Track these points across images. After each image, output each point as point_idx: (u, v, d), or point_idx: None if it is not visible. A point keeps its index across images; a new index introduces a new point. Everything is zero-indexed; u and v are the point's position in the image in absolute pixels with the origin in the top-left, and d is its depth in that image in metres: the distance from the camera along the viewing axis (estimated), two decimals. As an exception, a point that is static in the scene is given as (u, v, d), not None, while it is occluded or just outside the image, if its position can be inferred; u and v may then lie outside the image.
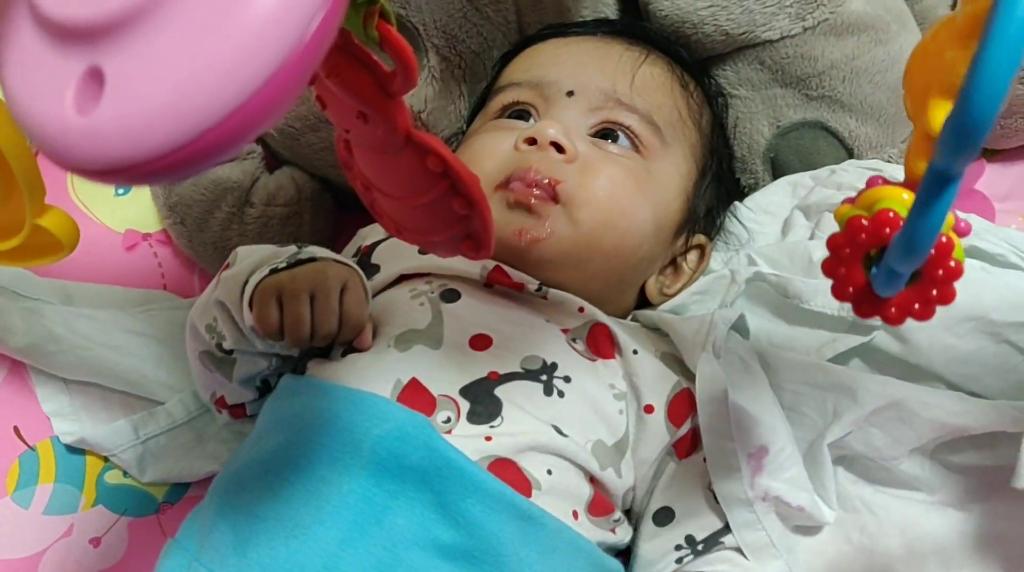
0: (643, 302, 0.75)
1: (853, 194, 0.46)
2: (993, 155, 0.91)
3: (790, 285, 0.71)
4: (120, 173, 0.26)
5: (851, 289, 0.45)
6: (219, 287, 0.65)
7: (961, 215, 0.75)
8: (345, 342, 0.63)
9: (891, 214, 0.42)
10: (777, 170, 0.82)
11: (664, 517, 0.66)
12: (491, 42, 0.81)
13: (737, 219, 0.80)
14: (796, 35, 0.79)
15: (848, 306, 0.69)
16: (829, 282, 0.70)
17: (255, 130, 0.27)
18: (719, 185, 0.78)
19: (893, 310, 0.44)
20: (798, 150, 0.81)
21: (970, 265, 0.70)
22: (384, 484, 0.57)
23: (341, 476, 0.57)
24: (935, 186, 0.36)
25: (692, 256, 0.76)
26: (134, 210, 0.88)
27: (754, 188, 0.83)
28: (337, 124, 0.48)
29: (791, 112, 0.81)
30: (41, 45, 0.27)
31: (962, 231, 0.42)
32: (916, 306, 0.43)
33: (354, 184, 0.53)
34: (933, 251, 0.41)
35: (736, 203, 0.81)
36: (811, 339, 0.72)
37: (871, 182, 0.43)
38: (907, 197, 0.41)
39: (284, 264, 0.62)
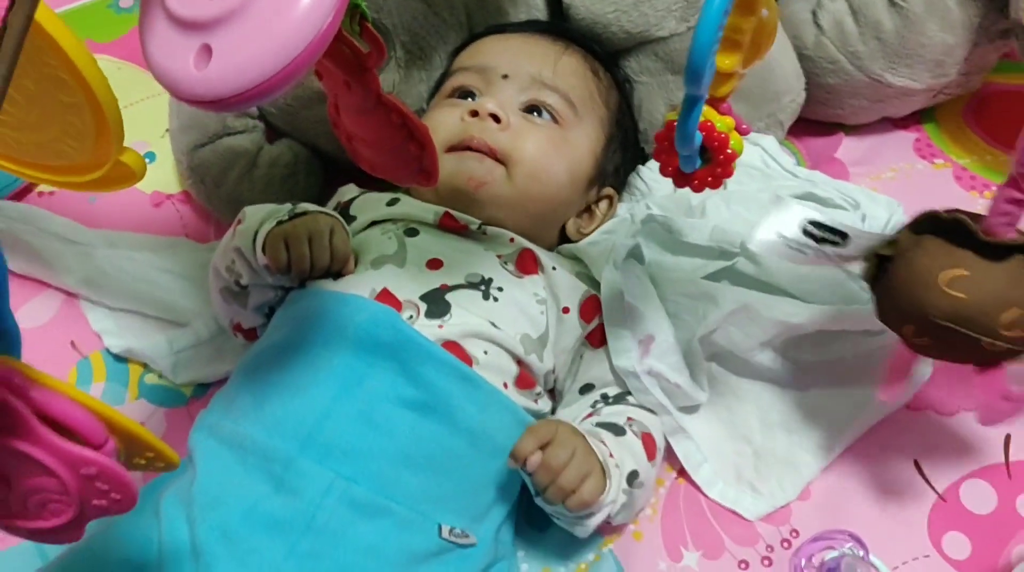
0: (565, 241, 0.94)
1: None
2: (849, 130, 1.11)
3: (672, 223, 0.90)
4: (221, 103, 0.47)
5: (670, 168, 0.65)
6: (235, 238, 0.80)
7: (805, 170, 0.97)
8: (335, 272, 0.80)
9: None
10: (672, 140, 1.03)
11: (585, 389, 0.85)
12: (446, 38, 1.00)
13: (640, 178, 1.00)
14: (682, 33, 0.98)
15: (716, 238, 0.90)
16: (702, 221, 0.92)
17: (294, 80, 0.48)
18: (625, 150, 0.97)
19: (696, 182, 0.65)
20: None
21: (806, 205, 0.91)
22: (363, 357, 0.73)
23: (332, 353, 0.74)
24: (687, 104, 0.57)
25: (603, 204, 0.95)
26: (158, 175, 1.07)
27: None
28: (329, 91, 0.67)
29: (681, 94, 0.98)
30: (171, 31, 0.48)
31: (743, 131, 0.62)
32: (709, 179, 0.63)
33: (340, 137, 0.72)
34: (716, 142, 0.61)
35: (640, 166, 1.00)
36: (689, 265, 0.90)
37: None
38: (705, 108, 0.61)
39: (286, 217, 0.79)
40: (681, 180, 0.64)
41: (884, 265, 0.69)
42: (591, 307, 0.86)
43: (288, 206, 0.82)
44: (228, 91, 0.47)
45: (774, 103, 1.01)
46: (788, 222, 0.66)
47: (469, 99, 0.90)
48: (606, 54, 1.00)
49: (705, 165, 0.63)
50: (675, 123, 0.61)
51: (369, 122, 0.68)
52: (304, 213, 0.80)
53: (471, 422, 0.75)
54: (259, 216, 0.81)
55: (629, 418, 0.82)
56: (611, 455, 0.77)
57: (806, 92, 1.05)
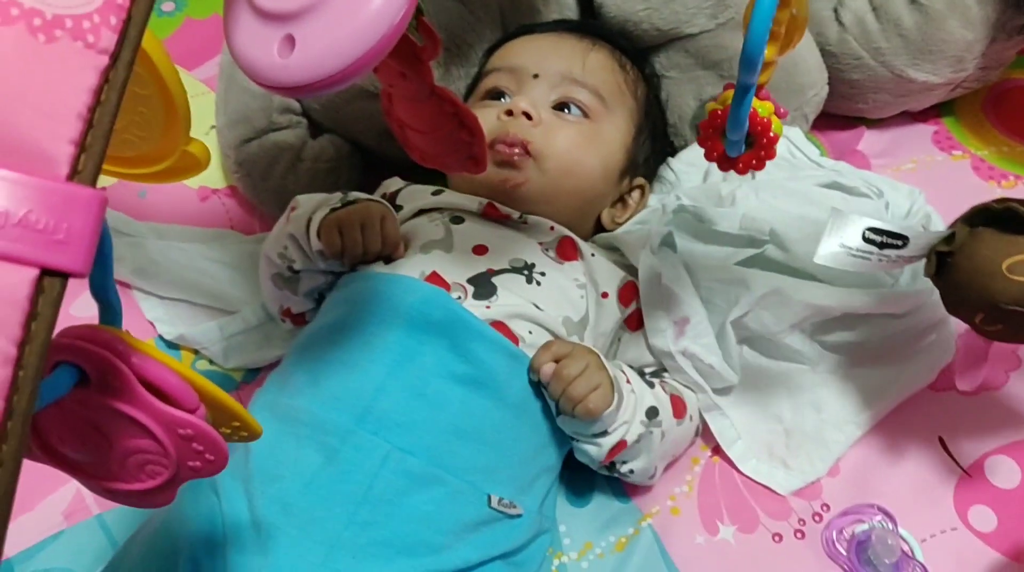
0: (600, 230, 0.97)
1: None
2: (870, 123, 1.14)
3: (704, 213, 0.93)
4: (303, 88, 0.51)
5: (715, 154, 0.69)
6: (289, 224, 0.84)
7: (830, 160, 1.00)
8: (386, 257, 0.83)
9: None
10: (701, 134, 1.06)
11: None
12: (482, 36, 1.04)
13: (671, 169, 1.03)
14: (712, 30, 1.02)
15: (746, 226, 0.93)
16: (732, 210, 0.95)
17: (367, 69, 0.51)
18: (654, 142, 1.01)
19: (740, 165, 0.68)
20: None
21: (832, 195, 0.95)
22: (415, 335, 0.76)
23: (386, 331, 0.77)
24: (740, 91, 0.60)
25: (635, 194, 0.98)
26: (206, 171, 1.10)
27: (685, 148, 1.05)
28: (384, 81, 0.70)
29: (710, 89, 1.03)
30: (257, 22, 0.52)
31: (781, 115, 0.65)
32: (753, 162, 0.67)
33: (392, 126, 0.76)
34: (759, 127, 0.64)
35: (669, 158, 1.04)
36: (720, 253, 0.93)
37: (727, 87, 0.67)
38: None
39: (339, 205, 0.82)
40: (726, 164, 0.68)
41: (944, 260, 0.71)
42: (629, 292, 0.89)
43: (339, 195, 0.86)
44: (309, 78, 0.50)
45: (799, 97, 1.05)
46: (849, 232, 0.68)
47: (503, 99, 0.93)
48: (634, 50, 1.03)
49: (748, 149, 0.66)
50: (718, 112, 0.65)
51: (422, 111, 0.71)
52: (356, 201, 0.84)
53: (516, 397, 0.78)
54: (312, 204, 0.85)
55: (663, 382, 0.87)
56: (628, 381, 0.80)
57: (829, 87, 1.08)
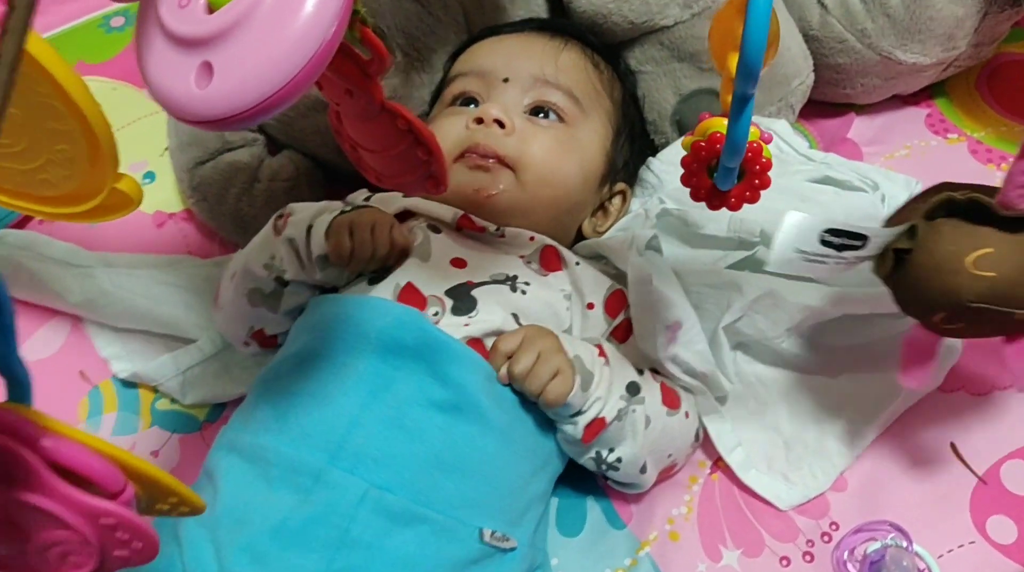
0: (581, 240, 0.91)
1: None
2: (860, 109, 1.09)
3: (689, 216, 0.88)
4: (224, 122, 0.45)
5: (702, 191, 0.64)
6: (289, 227, 0.79)
7: (820, 152, 0.95)
8: (389, 264, 0.78)
9: (718, 134, 0.60)
10: (682, 129, 0.99)
11: None
12: (444, 40, 0.98)
13: (651, 171, 0.97)
14: (686, 20, 0.96)
15: (734, 228, 0.89)
16: (719, 213, 0.90)
17: (298, 95, 0.45)
18: (633, 143, 0.95)
19: (733, 200, 0.63)
20: (696, 112, 0.93)
21: (824, 190, 0.90)
22: (389, 361, 0.72)
23: (356, 359, 0.72)
24: (739, 104, 0.54)
25: (616, 200, 0.93)
26: (160, 195, 1.05)
27: (665, 146, 0.99)
28: (330, 99, 0.65)
29: (688, 82, 0.98)
30: (170, 49, 0.46)
31: (766, 139, 0.60)
32: (747, 194, 0.62)
33: (343, 146, 0.70)
34: (749, 153, 0.60)
35: (650, 158, 0.98)
36: (709, 257, 0.89)
37: (702, 118, 0.62)
38: (726, 122, 0.60)
39: (349, 208, 0.79)
40: (716, 202, 0.62)
41: (901, 258, 0.67)
42: (616, 302, 0.84)
43: (338, 203, 0.82)
44: (231, 109, 0.44)
45: (784, 87, 0.99)
46: (804, 235, 0.63)
47: (472, 106, 0.88)
48: (606, 47, 0.98)
49: (738, 180, 0.61)
50: (701, 145, 0.59)
51: (374, 129, 0.66)
52: (360, 205, 0.81)
53: (502, 421, 0.74)
54: (312, 210, 0.81)
55: (654, 373, 0.82)
56: (603, 355, 0.77)
57: (815, 74, 1.03)
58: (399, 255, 0.79)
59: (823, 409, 0.88)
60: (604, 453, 0.78)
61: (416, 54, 0.98)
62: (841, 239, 0.63)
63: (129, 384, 0.94)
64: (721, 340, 0.85)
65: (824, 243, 0.63)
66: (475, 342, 0.75)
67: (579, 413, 0.75)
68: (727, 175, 0.60)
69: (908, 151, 1.06)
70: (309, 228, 0.78)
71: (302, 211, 0.81)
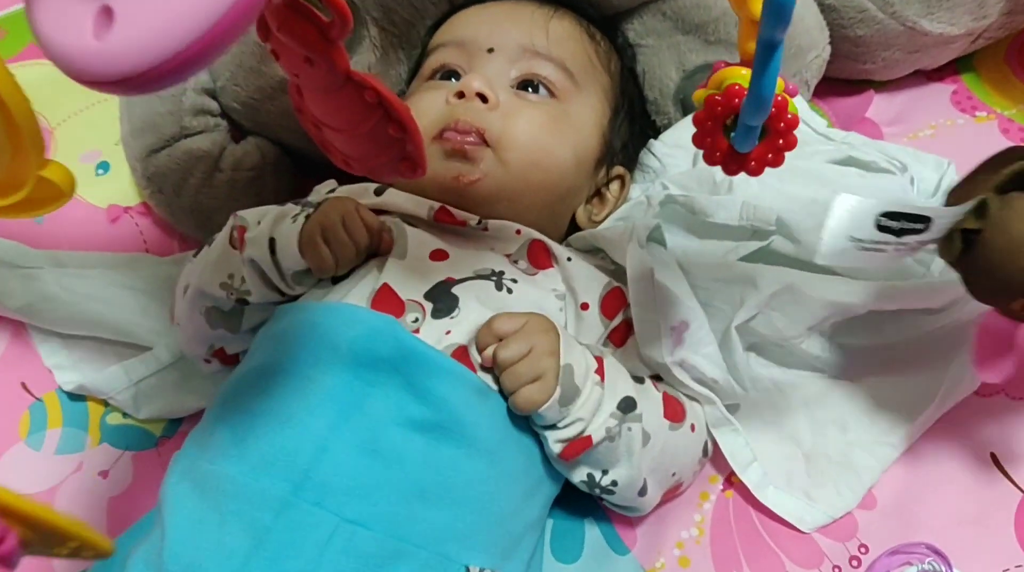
0: (575, 230, 0.83)
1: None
2: (879, 86, 1.00)
3: (696, 203, 0.80)
4: (128, 82, 0.36)
5: (718, 153, 0.55)
6: (248, 247, 0.71)
7: (841, 131, 0.86)
8: (374, 251, 0.71)
9: (737, 87, 0.51)
10: (687, 109, 0.90)
11: None
12: (423, 12, 0.89)
13: (653, 154, 0.88)
14: (690, -13, 0.88)
15: (747, 216, 0.80)
16: (730, 198, 0.81)
17: (219, 49, 0.36)
18: (632, 123, 0.87)
19: (753, 163, 0.54)
20: None
21: (848, 172, 0.81)
22: (362, 376, 0.65)
23: (324, 373, 0.65)
24: (766, 52, 0.46)
25: (614, 186, 0.85)
26: (114, 187, 0.96)
27: (668, 127, 0.91)
28: (288, 71, 0.57)
29: (693, 56, 0.89)
30: (63, -7, 0.37)
31: (791, 92, 0.52)
32: (769, 156, 0.53)
33: (306, 125, 0.62)
34: (773, 109, 0.51)
35: (651, 140, 0.89)
36: (719, 248, 0.80)
37: (716, 67, 0.53)
38: (745, 72, 0.51)
39: (312, 210, 0.71)
40: (734, 165, 0.54)
41: (970, 239, 0.60)
42: (613, 302, 0.76)
43: (290, 205, 0.74)
44: (138, 65, 0.35)
45: (798, 61, 0.90)
46: (858, 221, 0.56)
47: (453, 79, 0.80)
48: (602, 17, 0.90)
49: (759, 141, 0.52)
50: (716, 99, 0.51)
51: (338, 104, 0.57)
52: (320, 201, 0.72)
53: (490, 441, 0.66)
54: (268, 220, 0.72)
55: (656, 382, 0.75)
56: (599, 371, 0.69)
57: (831, 47, 0.94)
58: (379, 234, 0.71)
59: (848, 417, 0.80)
60: (596, 475, 0.70)
61: (393, 28, 0.90)
62: (900, 223, 0.57)
63: (76, 397, 0.86)
64: (733, 341, 0.77)
65: (881, 229, 0.56)
66: (460, 352, 0.67)
67: (552, 428, 0.67)
68: (748, 134, 0.51)
69: (933, 131, 0.98)
70: (272, 242, 0.70)
71: (255, 223, 0.72)
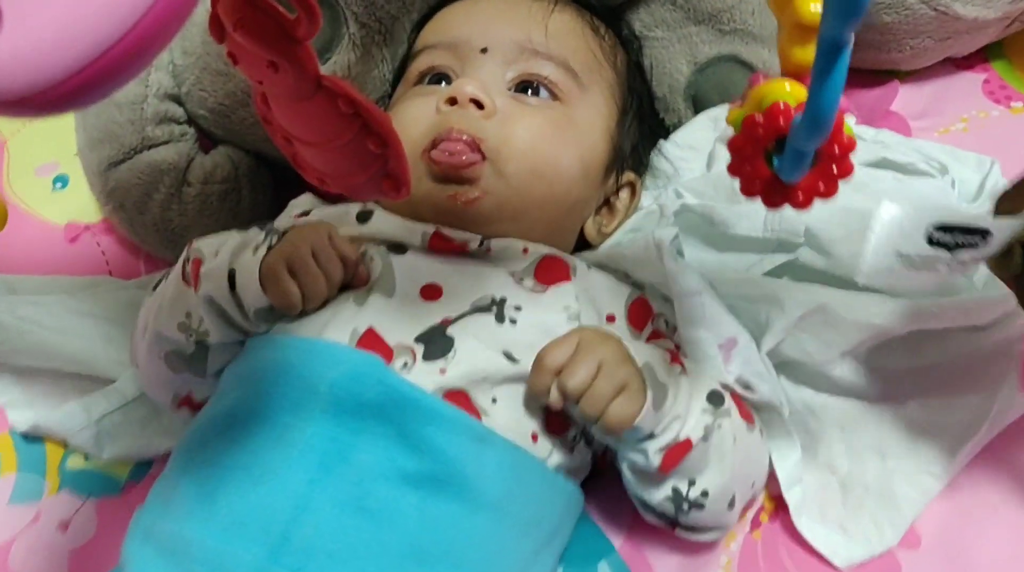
0: (583, 244, 0.77)
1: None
2: (905, 76, 0.94)
3: (715, 213, 0.73)
4: (23, 103, 0.28)
5: (758, 183, 0.48)
6: (204, 283, 0.64)
7: (872, 129, 0.79)
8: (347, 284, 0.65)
9: (781, 105, 0.44)
10: (698, 106, 0.84)
11: None
12: (409, 6, 0.82)
13: (664, 157, 0.82)
14: (702, -27, 0.81)
15: (772, 227, 0.73)
16: (752, 207, 0.74)
17: (147, 55, 0.29)
18: (642, 123, 0.80)
19: (800, 195, 0.47)
20: (716, 85, 0.82)
21: (882, 176, 0.74)
22: (345, 423, 0.59)
23: (303, 421, 0.59)
24: (830, 55, 0.38)
25: (624, 194, 0.78)
26: (74, 202, 0.90)
27: (678, 126, 0.84)
28: (250, 77, 0.50)
29: (706, 48, 0.83)
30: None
31: (843, 108, 0.44)
32: (820, 186, 0.46)
33: (275, 139, 0.54)
34: None
35: (661, 141, 0.83)
36: (740, 263, 0.74)
37: (753, 80, 0.45)
38: (789, 87, 0.44)
39: (275, 240, 0.64)
40: (778, 196, 0.46)
41: None
42: (640, 311, 0.70)
43: (255, 229, 0.69)
44: (34, 82, 0.27)
45: (820, 51, 0.83)
46: (907, 235, 0.50)
47: (443, 84, 0.73)
48: (606, 8, 0.83)
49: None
50: (756, 119, 0.43)
51: (309, 114, 0.50)
52: (287, 229, 0.65)
53: (493, 493, 0.60)
54: (227, 251, 0.65)
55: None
56: (676, 361, 0.65)
57: (854, 35, 0.86)
58: (355, 267, 0.64)
59: (887, 443, 0.73)
60: (684, 488, 0.64)
61: (377, 24, 0.82)
62: (955, 236, 0.51)
63: (33, 438, 0.79)
64: (765, 364, 0.70)
65: (933, 243, 0.51)
66: (456, 395, 0.60)
67: (650, 437, 0.62)
68: (798, 162, 0.43)
69: (965, 124, 0.91)
70: (231, 276, 0.63)
71: (213, 255, 0.66)
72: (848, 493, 0.72)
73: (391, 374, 0.60)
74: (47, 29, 0.27)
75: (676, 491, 0.64)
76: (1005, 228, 0.53)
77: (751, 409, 0.69)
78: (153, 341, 0.68)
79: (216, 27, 0.47)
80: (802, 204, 0.46)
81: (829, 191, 0.45)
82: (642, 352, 0.63)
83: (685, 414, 0.62)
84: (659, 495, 0.64)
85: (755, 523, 0.72)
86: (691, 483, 0.64)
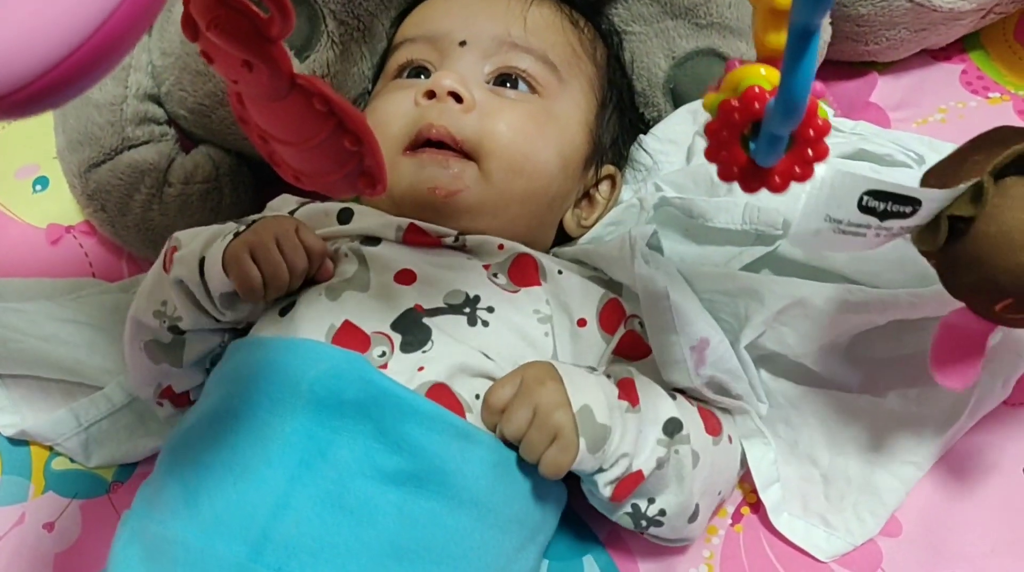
0: (562, 236, 0.77)
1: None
2: (882, 68, 0.94)
3: (694, 206, 0.73)
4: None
5: (735, 168, 0.48)
6: (175, 266, 0.65)
7: (849, 121, 0.79)
8: (311, 277, 0.65)
9: (756, 90, 0.44)
10: (677, 100, 0.83)
11: None
12: (387, 2, 0.82)
13: (643, 150, 0.81)
14: (679, -33, 0.80)
15: (751, 219, 0.73)
16: (731, 200, 0.74)
17: (115, 54, 0.29)
18: (622, 116, 0.80)
19: (777, 179, 0.47)
20: (695, 78, 0.82)
21: (859, 166, 0.74)
22: (325, 421, 0.58)
23: (283, 418, 0.59)
24: (800, 43, 0.38)
25: (604, 186, 0.78)
26: (54, 204, 0.89)
27: (658, 120, 0.84)
28: (225, 76, 0.49)
29: (684, 42, 0.82)
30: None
31: (819, 93, 0.44)
32: (796, 169, 0.46)
33: (251, 137, 0.54)
34: None
35: (641, 135, 0.82)
36: (720, 255, 0.74)
37: (729, 66, 0.45)
38: (764, 71, 0.43)
39: (243, 227, 0.64)
40: (754, 181, 0.46)
41: (957, 228, 0.54)
42: (612, 314, 0.69)
43: (232, 225, 0.68)
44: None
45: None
46: (840, 198, 0.50)
47: (422, 77, 0.73)
48: (586, 3, 0.82)
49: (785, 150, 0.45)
50: (732, 104, 0.43)
51: (284, 113, 0.50)
52: (256, 219, 0.66)
53: (474, 491, 0.60)
54: (201, 238, 0.66)
55: (687, 396, 0.68)
56: (631, 395, 0.63)
57: (831, 27, 0.86)
58: (320, 259, 0.64)
59: (868, 435, 0.73)
60: (642, 506, 0.63)
61: (355, 22, 0.82)
62: (886, 204, 0.51)
63: (18, 441, 0.78)
64: (744, 358, 0.71)
65: (863, 209, 0.50)
66: (438, 389, 0.60)
67: (599, 471, 0.61)
68: (773, 146, 0.43)
69: (944, 115, 0.91)
70: (202, 262, 0.63)
71: (190, 241, 0.66)
72: (830, 485, 0.72)
73: (372, 371, 0.60)
74: (14, 30, 0.27)
75: (635, 508, 0.64)
76: (935, 199, 0.53)
77: (719, 417, 0.68)
78: (134, 330, 0.69)
79: (189, 26, 0.47)
80: (779, 187, 0.46)
81: (805, 175, 0.45)
82: (587, 389, 0.61)
83: (634, 451, 0.61)
84: (619, 512, 0.64)
85: (737, 516, 0.72)
86: (650, 501, 0.64)
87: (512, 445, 0.60)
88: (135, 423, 0.78)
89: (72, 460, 0.77)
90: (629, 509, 0.63)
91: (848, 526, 0.71)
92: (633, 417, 0.62)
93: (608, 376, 0.65)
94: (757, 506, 0.72)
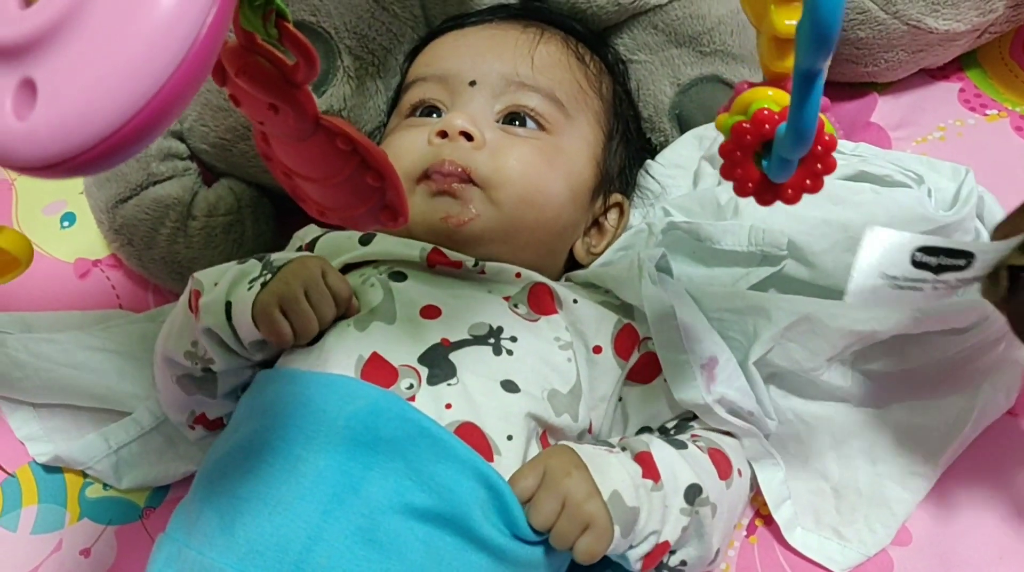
0: (573, 264, 0.79)
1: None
2: (883, 89, 0.96)
3: (701, 229, 0.75)
4: (58, 167, 0.31)
5: (750, 185, 0.50)
6: (203, 316, 0.66)
7: (850, 143, 0.81)
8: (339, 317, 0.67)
9: (766, 111, 0.46)
10: (683, 125, 0.86)
11: (640, 434, 0.71)
12: (400, 37, 0.85)
13: (651, 176, 0.84)
14: (681, -3, 0.83)
15: (756, 241, 0.75)
16: (736, 223, 0.76)
17: (168, 118, 0.31)
18: (628, 145, 0.82)
19: (790, 192, 0.49)
20: (700, 104, 0.84)
21: (861, 188, 0.76)
22: (358, 457, 0.60)
23: (317, 454, 0.60)
24: (805, 84, 0.40)
25: (612, 214, 0.80)
26: (81, 239, 0.91)
27: (665, 145, 0.86)
28: (252, 118, 0.52)
29: (688, 69, 0.85)
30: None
31: (824, 107, 0.47)
32: (807, 182, 0.48)
33: (275, 174, 0.56)
34: None
35: (648, 161, 0.84)
36: (727, 276, 0.76)
37: (738, 89, 0.48)
38: (772, 93, 0.46)
39: (262, 274, 0.66)
40: (768, 195, 0.48)
41: (1018, 277, 0.55)
42: (626, 340, 0.71)
43: (252, 261, 0.69)
44: (67, 148, 0.30)
45: (798, 68, 0.85)
46: (891, 256, 0.52)
47: (434, 116, 0.75)
48: (592, 35, 0.85)
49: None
50: (743, 126, 0.46)
51: (309, 152, 0.52)
52: (282, 264, 0.66)
53: (495, 542, 0.60)
54: (225, 283, 0.67)
55: (693, 435, 0.69)
56: (653, 472, 0.63)
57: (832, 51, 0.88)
58: (347, 304, 0.66)
59: (876, 448, 0.75)
60: (665, 558, 0.65)
61: (370, 57, 0.84)
62: (939, 258, 0.52)
63: (52, 469, 0.80)
64: (753, 375, 0.72)
65: (917, 265, 0.51)
66: (468, 429, 0.62)
67: (630, 548, 0.62)
68: (785, 166, 0.46)
69: (943, 133, 0.93)
70: (228, 307, 0.65)
71: (211, 287, 0.67)
72: (841, 498, 0.74)
73: (411, 409, 0.61)
74: (78, 100, 0.30)
75: (660, 566, 0.65)
76: (989, 251, 0.54)
77: (727, 452, 0.69)
78: (165, 365, 0.71)
79: (218, 73, 0.49)
80: (792, 199, 0.49)
81: (815, 186, 0.48)
82: (612, 473, 0.61)
83: (661, 524, 0.62)
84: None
85: (751, 528, 0.74)
86: (671, 553, 0.65)
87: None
88: (164, 446, 0.79)
89: (105, 487, 0.79)
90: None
91: (860, 537, 0.72)
92: (658, 495, 0.62)
93: (623, 448, 0.65)
94: (770, 518, 0.73)
